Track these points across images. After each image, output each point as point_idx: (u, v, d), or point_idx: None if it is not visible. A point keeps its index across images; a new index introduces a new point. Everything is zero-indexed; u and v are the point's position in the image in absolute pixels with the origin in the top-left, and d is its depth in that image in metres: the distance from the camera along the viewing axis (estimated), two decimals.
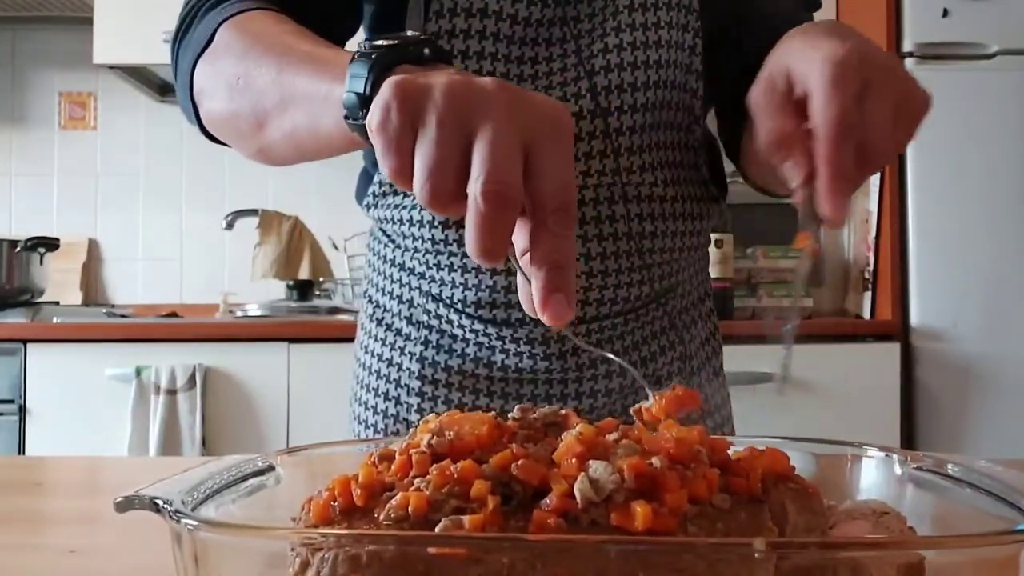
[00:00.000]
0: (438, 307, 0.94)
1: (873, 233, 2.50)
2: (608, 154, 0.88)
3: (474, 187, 0.47)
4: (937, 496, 0.52)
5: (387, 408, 0.96)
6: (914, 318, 2.38)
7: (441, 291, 0.93)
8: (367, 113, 0.52)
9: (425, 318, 0.95)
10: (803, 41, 0.68)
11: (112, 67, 2.70)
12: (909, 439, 2.36)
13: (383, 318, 0.99)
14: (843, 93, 0.62)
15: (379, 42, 0.57)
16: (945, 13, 2.36)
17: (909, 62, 2.40)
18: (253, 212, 2.83)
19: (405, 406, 0.95)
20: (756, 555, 0.37)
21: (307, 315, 2.61)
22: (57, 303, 2.77)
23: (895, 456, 0.56)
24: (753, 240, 2.61)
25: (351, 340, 2.53)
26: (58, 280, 2.87)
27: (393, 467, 0.46)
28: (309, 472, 0.56)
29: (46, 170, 3.03)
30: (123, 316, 2.67)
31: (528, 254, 0.50)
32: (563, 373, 0.92)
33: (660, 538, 0.39)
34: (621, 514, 0.40)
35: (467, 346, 0.93)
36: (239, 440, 2.33)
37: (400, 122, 0.49)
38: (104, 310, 2.73)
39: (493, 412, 0.49)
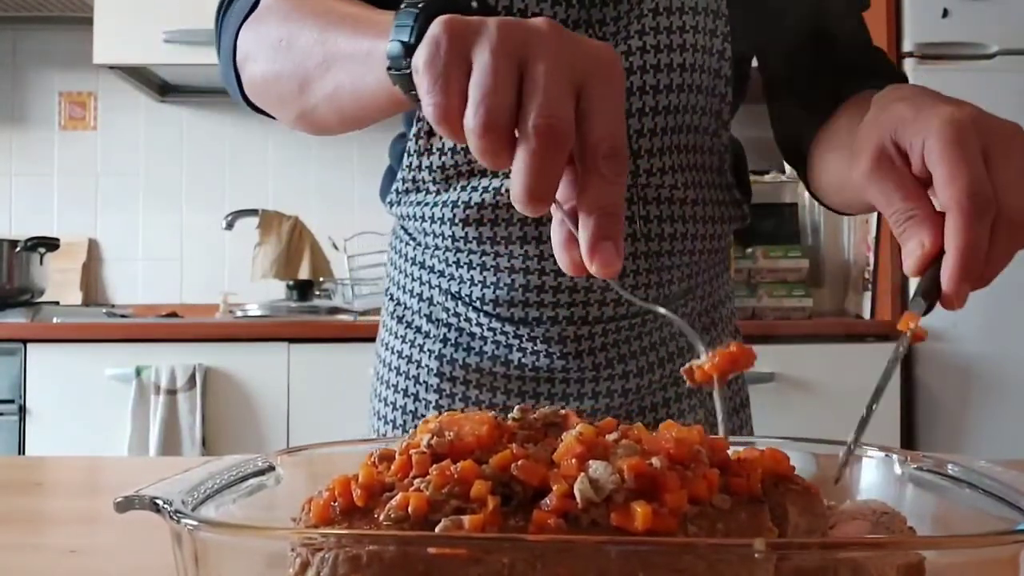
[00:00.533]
0: (457, 305, 0.94)
1: (873, 233, 2.50)
2: (628, 155, 0.88)
3: (527, 123, 0.45)
4: (937, 496, 0.52)
5: (405, 404, 0.97)
6: None
7: (460, 289, 0.93)
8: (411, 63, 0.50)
9: (444, 316, 0.95)
10: (910, 108, 0.62)
11: (112, 67, 2.70)
12: (909, 439, 2.36)
13: (403, 315, 0.99)
14: (970, 163, 0.57)
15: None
16: (945, 13, 2.36)
17: (909, 62, 2.40)
18: (253, 212, 2.83)
19: (423, 403, 0.96)
20: (756, 555, 0.37)
21: (307, 315, 2.61)
22: (57, 303, 2.77)
23: (895, 456, 0.56)
24: (753, 240, 2.61)
25: (351, 340, 2.53)
26: (58, 280, 2.87)
27: (393, 467, 0.46)
28: (309, 472, 0.56)
29: (46, 170, 3.03)
30: (123, 316, 2.67)
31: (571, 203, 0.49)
32: (580, 372, 0.92)
33: (660, 538, 0.39)
34: (621, 514, 0.40)
35: (485, 344, 0.93)
36: (239, 440, 2.33)
37: (449, 57, 0.47)
38: (104, 310, 2.73)
39: (494, 412, 0.49)
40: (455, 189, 0.90)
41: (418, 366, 0.97)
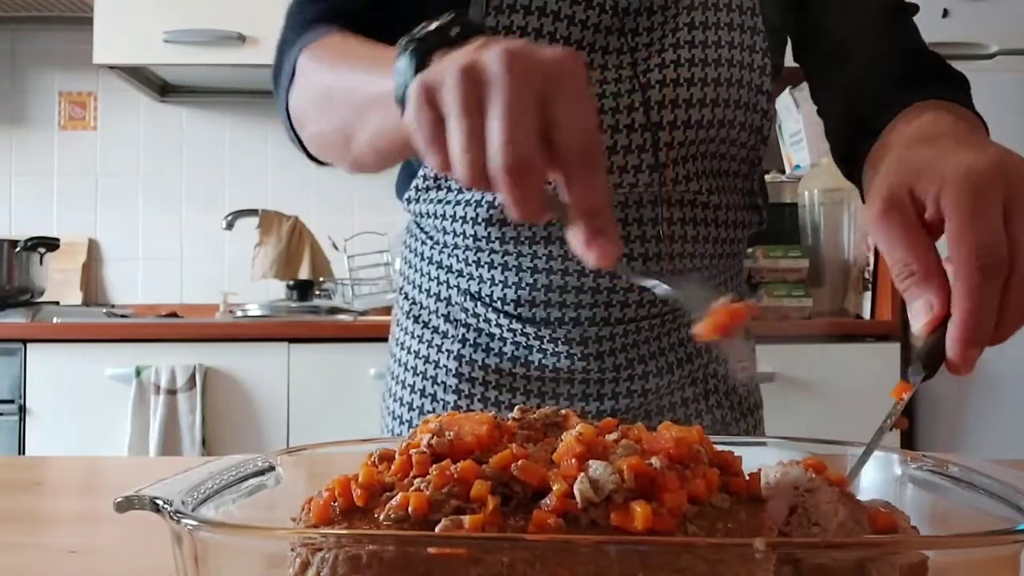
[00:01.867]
0: (476, 305, 0.94)
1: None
2: (657, 167, 0.88)
3: (492, 164, 0.49)
4: (937, 496, 0.52)
5: (423, 404, 0.97)
6: None
7: (480, 289, 0.93)
8: None
9: (463, 316, 0.95)
10: (930, 151, 0.60)
11: (112, 67, 2.70)
12: (909, 439, 2.36)
13: (420, 315, 0.99)
14: (985, 221, 0.54)
15: (414, 33, 0.58)
16: (945, 13, 2.36)
17: None
18: (253, 212, 2.83)
19: (441, 403, 0.96)
20: (756, 555, 0.37)
21: (307, 315, 2.61)
22: (57, 303, 2.77)
23: (895, 456, 0.56)
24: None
25: (351, 340, 2.52)
26: (58, 280, 2.87)
27: (393, 467, 0.46)
28: (309, 472, 0.56)
29: (46, 170, 3.03)
30: (123, 316, 2.67)
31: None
32: (600, 373, 0.92)
33: (660, 538, 0.40)
34: (621, 514, 0.40)
35: (505, 345, 0.93)
36: (239, 440, 2.33)
37: (428, 120, 0.52)
38: (104, 310, 2.73)
39: (494, 412, 0.49)
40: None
41: (436, 366, 0.96)
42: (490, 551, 0.38)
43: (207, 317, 2.76)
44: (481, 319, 0.94)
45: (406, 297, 1.02)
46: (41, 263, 2.65)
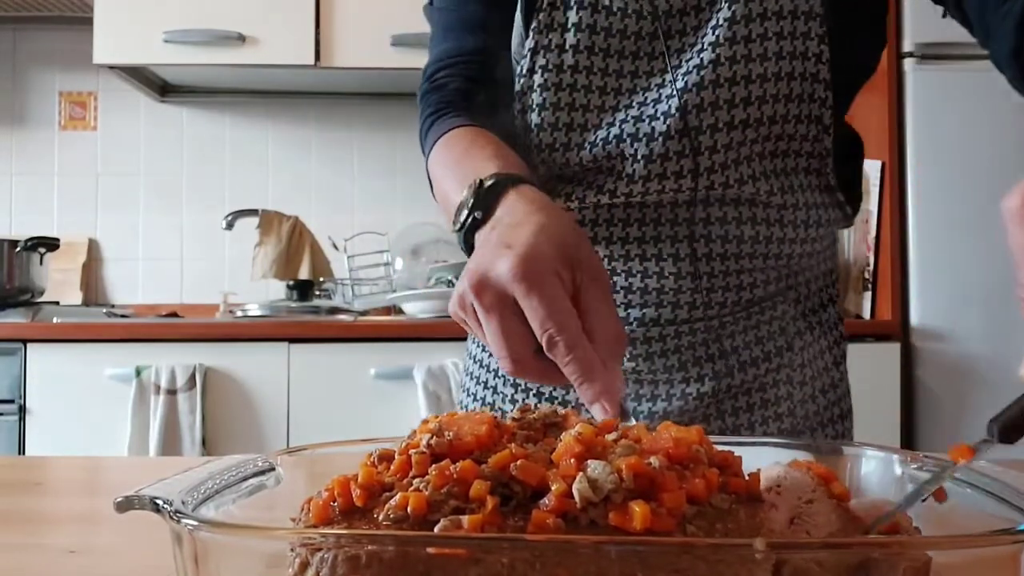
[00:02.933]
0: None
1: (873, 233, 2.49)
2: (697, 172, 0.86)
3: (546, 345, 0.60)
4: None
5: (485, 396, 1.00)
6: (914, 318, 2.37)
7: None
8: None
9: None
10: None
11: (112, 67, 2.70)
12: (909, 439, 2.36)
13: None
14: None
15: (481, 181, 0.72)
16: (945, 13, 2.36)
17: (909, 62, 2.40)
18: (253, 212, 2.83)
19: (501, 396, 0.98)
20: (756, 555, 0.37)
21: (307, 315, 2.61)
22: (57, 303, 2.77)
23: (895, 456, 0.56)
24: None
25: (351, 340, 2.52)
26: (58, 280, 2.87)
27: (392, 467, 0.46)
28: (309, 472, 0.56)
29: (46, 170, 3.03)
30: (123, 316, 2.67)
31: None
32: (651, 375, 0.92)
33: (659, 538, 0.39)
34: (620, 514, 0.40)
35: None
36: (239, 440, 2.33)
37: (474, 324, 0.65)
38: (104, 310, 2.73)
39: (492, 412, 0.49)
40: None
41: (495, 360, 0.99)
42: (489, 551, 0.38)
43: (207, 317, 2.76)
44: None
45: None
46: (41, 263, 2.65)
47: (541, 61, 0.89)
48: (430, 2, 1.03)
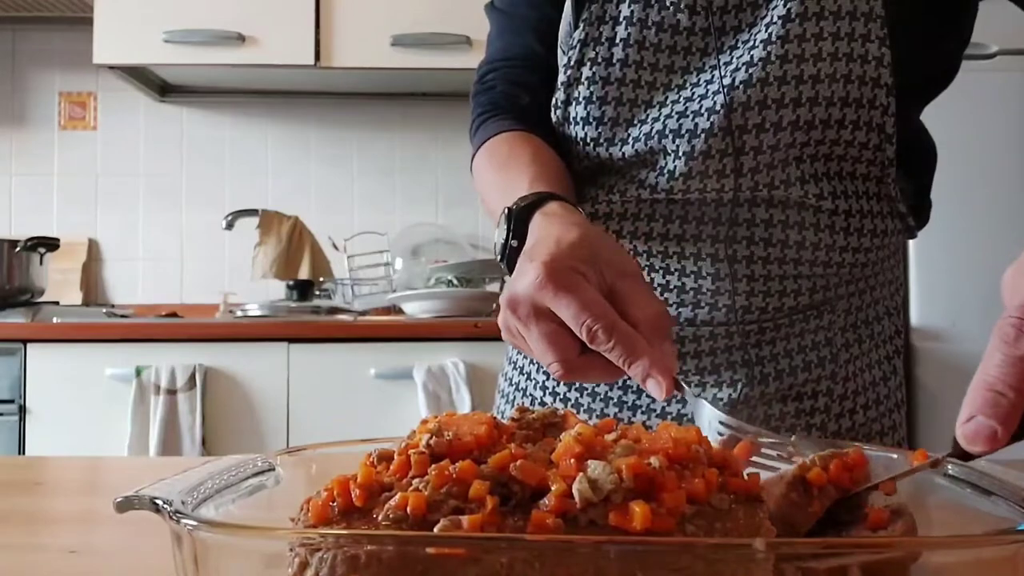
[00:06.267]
0: None
1: None
2: (740, 172, 0.84)
3: (586, 337, 0.62)
4: (937, 496, 0.52)
5: (520, 382, 1.01)
6: (914, 318, 2.37)
7: None
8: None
9: None
10: None
11: (112, 67, 2.70)
12: (909, 439, 2.36)
13: None
14: None
15: (510, 210, 0.76)
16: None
17: None
18: (253, 212, 2.83)
19: (534, 382, 0.98)
20: (756, 555, 0.37)
21: (307, 315, 2.61)
22: (57, 303, 2.77)
23: (895, 456, 0.56)
24: None
25: (351, 340, 2.52)
26: (58, 280, 2.87)
27: (392, 467, 0.46)
28: (309, 472, 0.56)
29: (46, 170, 3.03)
30: (123, 316, 2.67)
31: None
32: (682, 375, 0.89)
33: (658, 538, 0.39)
34: (619, 514, 0.40)
35: None
36: (239, 440, 2.33)
37: (520, 342, 0.68)
38: (104, 310, 2.73)
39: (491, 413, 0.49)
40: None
41: (533, 365, 1.00)
42: (489, 551, 0.38)
43: (207, 317, 2.76)
44: None
45: None
46: (41, 263, 2.65)
47: (591, 54, 0.88)
48: (491, 3, 1.06)
